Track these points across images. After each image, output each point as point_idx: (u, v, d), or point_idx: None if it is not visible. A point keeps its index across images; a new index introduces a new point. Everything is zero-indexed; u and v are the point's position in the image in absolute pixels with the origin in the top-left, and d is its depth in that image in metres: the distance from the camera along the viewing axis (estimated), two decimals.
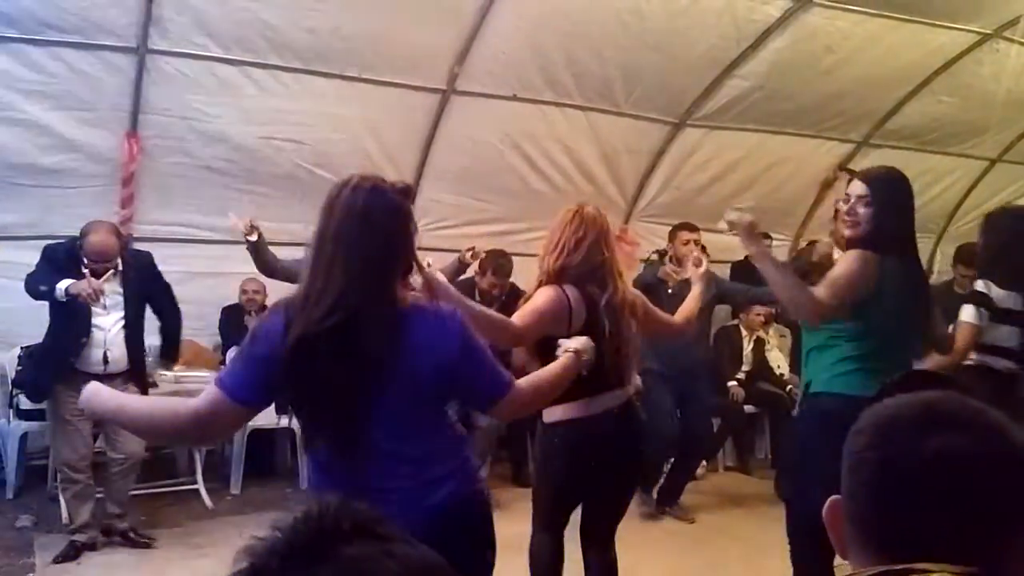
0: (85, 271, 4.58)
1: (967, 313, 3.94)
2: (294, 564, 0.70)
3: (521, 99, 6.48)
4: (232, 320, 6.10)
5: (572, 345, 2.61)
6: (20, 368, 5.61)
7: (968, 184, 8.56)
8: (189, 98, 5.69)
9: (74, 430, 4.66)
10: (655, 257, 5.91)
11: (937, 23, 6.57)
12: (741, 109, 7.05)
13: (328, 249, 2.10)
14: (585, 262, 3.19)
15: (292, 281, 2.50)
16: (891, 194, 3.22)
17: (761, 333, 6.90)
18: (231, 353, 4.14)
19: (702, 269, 3.83)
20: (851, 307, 3.11)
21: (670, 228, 5.75)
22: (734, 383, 6.68)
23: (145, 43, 5.37)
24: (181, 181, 5.94)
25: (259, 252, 5.20)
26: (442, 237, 6.57)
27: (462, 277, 5.87)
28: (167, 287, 4.97)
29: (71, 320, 4.62)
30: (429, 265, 2.72)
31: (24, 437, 5.67)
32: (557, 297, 3.13)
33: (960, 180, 8.50)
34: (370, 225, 2.11)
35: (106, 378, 4.11)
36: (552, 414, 3.22)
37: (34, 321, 4.77)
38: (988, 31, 6.77)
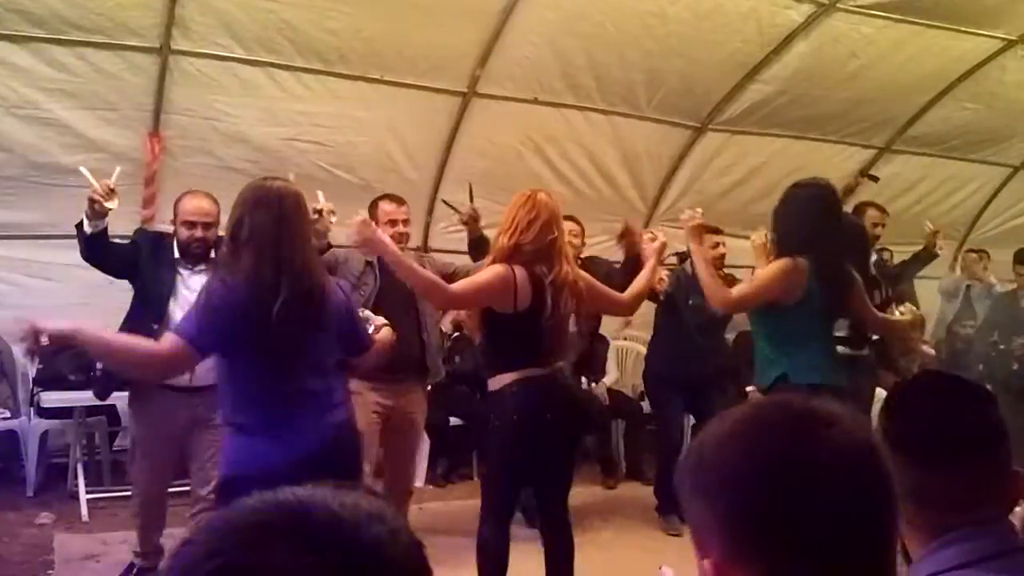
0: (177, 255, 4.07)
1: None
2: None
3: (542, 102, 6.47)
4: None
5: (379, 323, 3.31)
6: (41, 366, 5.63)
7: (991, 191, 8.48)
8: (211, 99, 5.70)
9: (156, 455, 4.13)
10: (675, 260, 5.88)
11: (961, 29, 6.52)
12: (764, 114, 7.01)
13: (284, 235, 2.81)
14: (536, 241, 3.44)
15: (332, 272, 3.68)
16: (787, 205, 3.91)
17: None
18: None
19: (656, 244, 4.01)
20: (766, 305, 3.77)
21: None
22: (752, 388, 6.63)
23: (168, 44, 5.39)
24: (203, 182, 5.89)
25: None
26: (461, 240, 6.53)
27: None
28: None
29: (144, 307, 4.03)
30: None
31: (45, 435, 5.70)
32: (503, 275, 3.40)
33: (983, 187, 8.43)
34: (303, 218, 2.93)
35: (190, 392, 3.85)
36: (494, 384, 3.52)
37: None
38: (1012, 37, 6.72)
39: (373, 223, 3.58)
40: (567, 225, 4.11)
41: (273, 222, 2.79)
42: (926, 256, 6.15)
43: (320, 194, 4.08)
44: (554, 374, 3.54)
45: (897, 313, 4.48)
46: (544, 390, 3.48)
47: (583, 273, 3.69)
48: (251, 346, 2.79)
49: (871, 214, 5.54)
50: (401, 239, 4.36)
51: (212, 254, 4.05)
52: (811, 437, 0.93)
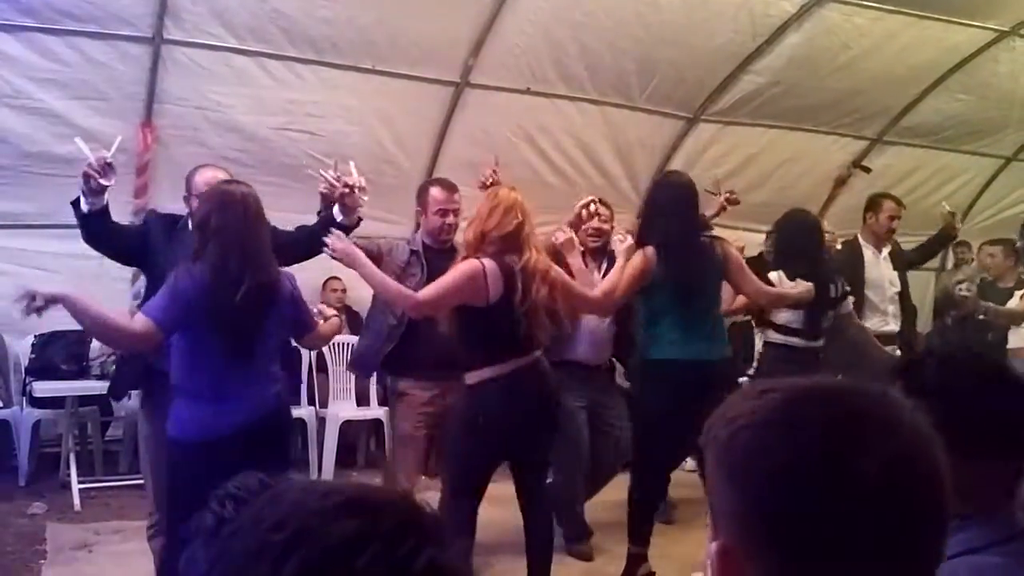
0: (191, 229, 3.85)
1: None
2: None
3: (535, 92, 6.47)
4: None
5: (329, 314, 3.65)
6: (34, 356, 5.64)
7: (983, 182, 8.50)
8: (204, 88, 5.70)
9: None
10: None
11: (954, 20, 6.54)
12: (756, 105, 7.02)
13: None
14: (500, 228, 3.50)
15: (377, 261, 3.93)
16: (652, 198, 4.32)
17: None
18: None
19: (627, 244, 4.12)
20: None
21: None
22: (745, 379, 6.65)
23: (161, 33, 5.38)
24: None
25: None
26: None
27: None
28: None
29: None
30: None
31: (37, 425, 5.70)
32: (471, 271, 3.45)
33: (975, 178, 8.44)
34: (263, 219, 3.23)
35: None
36: (472, 377, 3.54)
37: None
38: (1005, 28, 6.75)
39: (347, 240, 3.62)
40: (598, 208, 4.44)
41: (239, 221, 3.11)
42: (944, 237, 6.17)
43: (353, 166, 3.90)
44: (535, 363, 3.59)
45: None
46: (530, 380, 3.54)
47: (558, 269, 3.74)
48: (209, 326, 3.12)
49: (888, 206, 5.53)
50: (450, 231, 4.26)
51: None
52: (860, 444, 0.82)
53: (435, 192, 4.30)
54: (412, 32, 5.80)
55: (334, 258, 3.67)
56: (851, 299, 5.14)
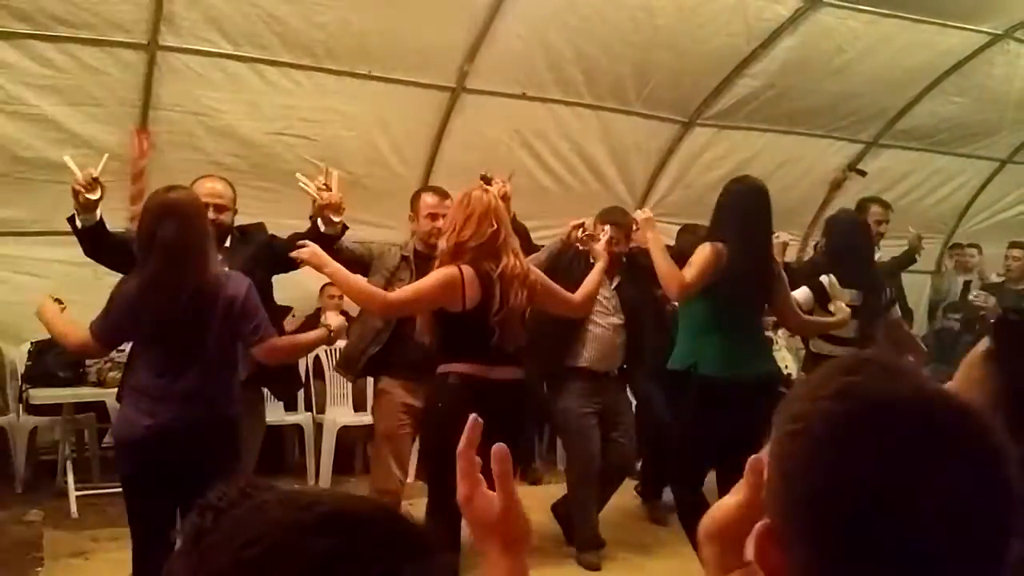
0: None
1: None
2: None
3: (530, 98, 6.47)
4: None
5: (330, 323, 3.52)
6: (30, 363, 5.63)
7: (978, 185, 8.51)
8: (199, 94, 5.69)
9: None
10: None
11: (949, 24, 6.56)
12: (751, 108, 7.03)
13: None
14: (476, 237, 3.45)
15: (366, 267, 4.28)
16: (725, 202, 4.17)
17: (770, 333, 6.87)
18: None
19: (603, 243, 4.18)
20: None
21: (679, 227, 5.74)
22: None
23: (156, 39, 5.37)
24: (190, 177, 5.83)
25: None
26: None
27: None
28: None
29: None
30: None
31: (34, 432, 5.69)
32: (448, 278, 3.41)
33: (970, 181, 8.46)
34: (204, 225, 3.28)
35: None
36: (447, 367, 3.51)
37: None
38: (999, 32, 6.76)
39: (313, 245, 3.59)
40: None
41: (178, 230, 3.12)
42: (907, 259, 6.16)
43: (335, 176, 3.98)
44: (489, 376, 3.46)
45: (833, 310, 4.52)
46: (479, 392, 3.36)
47: (536, 270, 3.70)
48: (144, 335, 3.27)
49: (874, 211, 5.52)
50: (439, 235, 4.19)
51: (228, 240, 4.00)
52: (921, 473, 0.78)
53: (426, 197, 4.50)
54: (408, 37, 5.80)
55: (305, 263, 3.61)
56: (898, 306, 5.08)
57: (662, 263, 4.09)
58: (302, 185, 3.98)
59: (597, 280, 4.00)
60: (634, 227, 4.61)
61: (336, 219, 3.90)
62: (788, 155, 7.54)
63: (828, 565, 0.81)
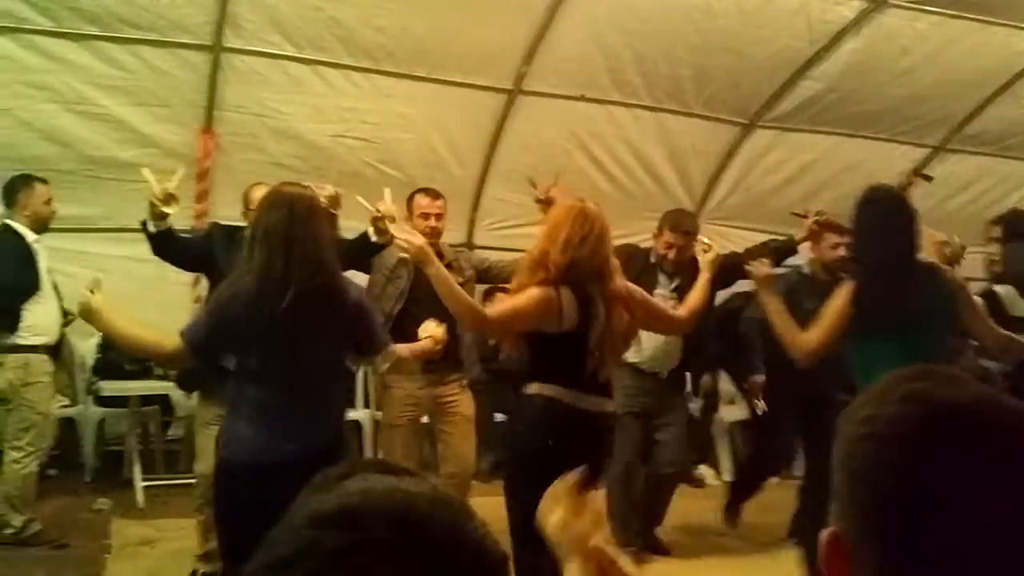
0: None
1: None
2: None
3: (589, 99, 6.46)
4: None
5: (433, 333, 3.46)
6: (99, 356, 5.80)
7: None
8: (262, 95, 5.81)
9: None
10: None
11: (1019, 25, 6.37)
12: (814, 111, 6.92)
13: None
14: (591, 258, 3.18)
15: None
16: (861, 221, 3.54)
17: None
18: None
19: (711, 256, 3.89)
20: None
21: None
22: None
23: (220, 41, 5.50)
24: (253, 178, 5.95)
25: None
26: (505, 236, 6.58)
27: None
28: None
29: None
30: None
31: (101, 423, 5.86)
32: (544, 300, 3.14)
33: None
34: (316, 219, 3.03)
35: None
36: (531, 388, 3.25)
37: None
38: None
39: (422, 239, 3.36)
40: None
41: (284, 222, 2.93)
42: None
43: (388, 194, 4.15)
44: (576, 405, 3.21)
45: None
46: (564, 421, 3.19)
47: (639, 289, 3.48)
48: (252, 344, 2.97)
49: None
50: (432, 233, 4.35)
51: None
52: (991, 484, 0.80)
53: (419, 198, 4.65)
54: (466, 40, 5.84)
55: (409, 255, 3.36)
56: None
57: (781, 328, 3.64)
58: (360, 199, 4.13)
59: (704, 294, 3.75)
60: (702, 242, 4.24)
61: (388, 230, 3.98)
62: (851, 159, 7.40)
63: (894, 567, 0.82)
